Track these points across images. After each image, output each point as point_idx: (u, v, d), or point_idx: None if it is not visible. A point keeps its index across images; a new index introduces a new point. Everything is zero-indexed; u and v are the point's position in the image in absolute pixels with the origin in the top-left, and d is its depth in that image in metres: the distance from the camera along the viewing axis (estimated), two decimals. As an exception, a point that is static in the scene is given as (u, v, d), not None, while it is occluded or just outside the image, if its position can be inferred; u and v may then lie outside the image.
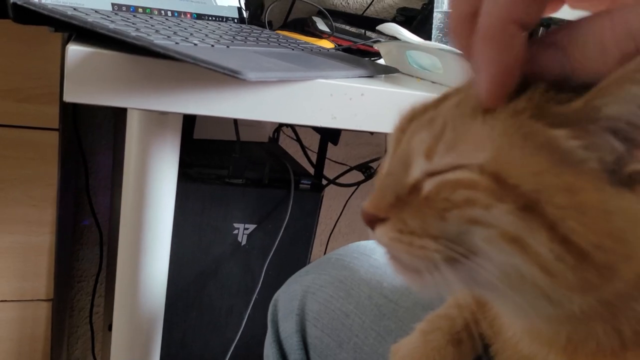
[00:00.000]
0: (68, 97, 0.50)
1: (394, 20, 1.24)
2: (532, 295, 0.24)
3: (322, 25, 1.06)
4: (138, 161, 0.63)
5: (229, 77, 0.50)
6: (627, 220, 0.22)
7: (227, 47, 0.59)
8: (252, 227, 0.88)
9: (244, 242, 0.89)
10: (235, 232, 0.87)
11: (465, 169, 0.23)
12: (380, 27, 0.76)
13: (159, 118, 0.61)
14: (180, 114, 0.60)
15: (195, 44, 0.54)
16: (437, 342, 0.37)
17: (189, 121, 1.07)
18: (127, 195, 0.65)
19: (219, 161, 0.90)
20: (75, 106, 1.10)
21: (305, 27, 1.10)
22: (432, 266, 0.24)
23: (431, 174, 0.25)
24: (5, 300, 0.88)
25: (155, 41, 0.48)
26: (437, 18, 0.93)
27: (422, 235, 0.24)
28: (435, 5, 0.91)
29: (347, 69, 0.61)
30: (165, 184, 0.65)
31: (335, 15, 1.12)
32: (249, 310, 0.88)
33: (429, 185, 0.25)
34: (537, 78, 0.24)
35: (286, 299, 0.57)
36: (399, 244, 0.25)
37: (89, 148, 1.20)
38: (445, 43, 0.81)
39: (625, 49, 0.21)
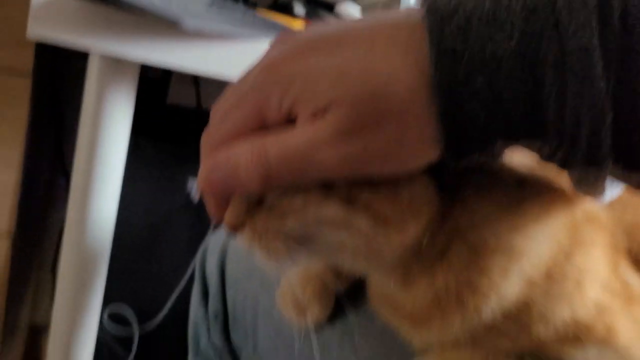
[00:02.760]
0: (31, 34, 0.56)
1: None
2: (353, 256, 0.33)
3: (298, 9, 1.13)
4: (94, 106, 0.68)
5: (179, 29, 0.56)
6: (411, 193, 0.31)
7: (186, 5, 0.65)
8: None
9: (196, 199, 0.95)
10: (190, 185, 0.93)
11: None
12: (337, 9, 0.83)
13: (117, 65, 0.67)
14: (134, 62, 0.65)
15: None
16: (316, 268, 0.44)
17: (163, 87, 1.14)
18: (82, 137, 0.71)
19: (182, 122, 0.96)
20: (53, 62, 1.15)
21: (286, 10, 1.17)
22: (279, 254, 0.32)
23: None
24: (-34, 232, 0.93)
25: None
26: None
27: (267, 234, 0.32)
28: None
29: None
30: (118, 130, 0.71)
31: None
32: (194, 262, 0.94)
33: (272, 196, 0.32)
34: None
35: (214, 243, 0.63)
36: (254, 243, 0.33)
37: (69, 108, 1.25)
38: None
39: None
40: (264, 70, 0.30)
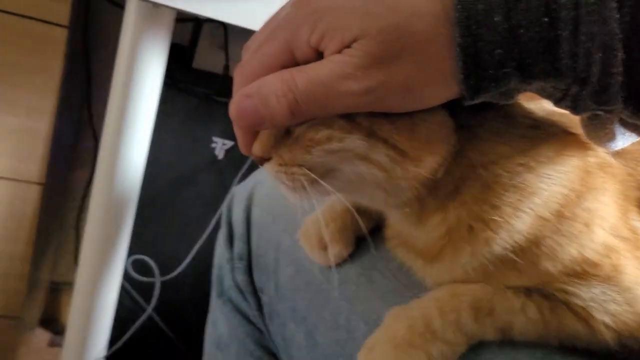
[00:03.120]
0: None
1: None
2: (373, 190, 0.35)
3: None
4: (130, 52, 0.71)
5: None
6: (428, 129, 0.33)
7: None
8: (230, 143, 0.97)
9: (220, 157, 0.97)
10: (214, 145, 0.96)
11: None
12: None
13: (153, 12, 0.69)
14: (170, 8, 0.68)
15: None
16: (338, 208, 0.46)
17: (190, 52, 1.16)
18: (116, 85, 0.74)
19: (209, 83, 0.98)
20: (86, 15, 1.18)
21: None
22: (301, 186, 0.35)
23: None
24: (1, 177, 0.97)
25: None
26: None
27: (292, 165, 0.34)
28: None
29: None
30: (152, 77, 0.73)
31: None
32: (216, 217, 0.97)
33: (298, 130, 0.34)
34: None
35: (240, 191, 0.66)
36: (279, 174, 0.35)
37: (98, 72, 1.28)
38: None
39: None
40: (294, 6, 0.32)
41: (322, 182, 0.34)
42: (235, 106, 0.33)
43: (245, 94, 0.32)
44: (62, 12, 0.88)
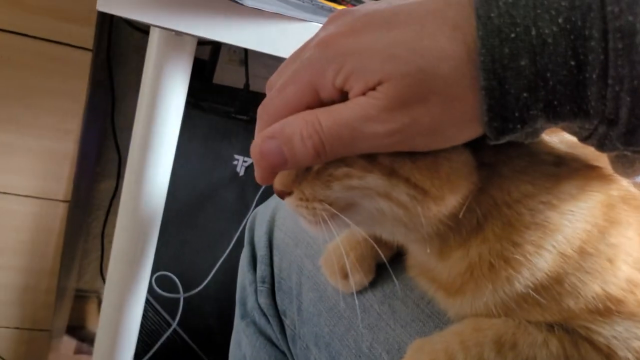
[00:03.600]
0: (100, 7, 0.60)
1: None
2: (393, 225, 0.35)
3: (344, -7, 1.15)
4: (153, 78, 0.72)
5: (236, 8, 0.59)
6: (451, 168, 0.33)
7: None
8: (250, 160, 0.98)
9: (241, 173, 0.99)
10: (235, 162, 0.98)
11: None
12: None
13: (175, 40, 0.70)
14: (193, 36, 0.69)
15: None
16: (358, 236, 0.47)
17: (211, 67, 1.18)
18: (141, 108, 0.76)
19: (229, 100, 1.00)
20: (110, 40, 1.20)
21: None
22: (321, 220, 0.35)
23: None
24: (29, 196, 1.00)
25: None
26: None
27: (313, 200, 0.35)
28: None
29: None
30: (175, 101, 0.75)
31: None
32: (238, 234, 0.99)
33: (319, 166, 0.35)
34: None
35: (263, 211, 0.67)
36: (300, 208, 0.36)
37: (121, 89, 1.31)
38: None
39: None
40: (319, 46, 0.32)
41: (342, 216, 0.35)
42: (258, 147, 0.33)
43: (268, 135, 0.32)
44: (87, 36, 0.90)
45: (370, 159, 0.33)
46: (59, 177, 0.99)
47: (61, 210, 1.02)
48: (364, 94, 0.30)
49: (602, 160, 0.36)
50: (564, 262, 0.34)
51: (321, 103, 0.32)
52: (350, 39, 0.31)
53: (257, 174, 0.37)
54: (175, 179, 0.88)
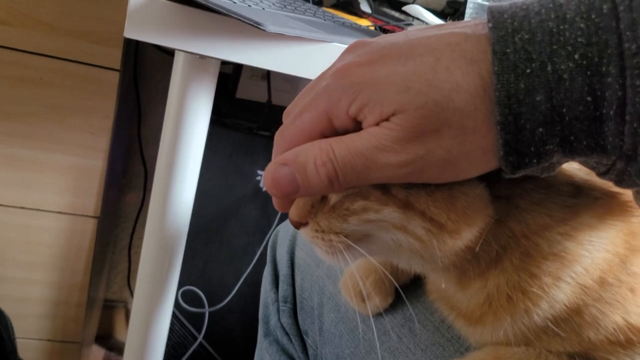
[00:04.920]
0: (128, 34, 0.62)
1: (442, 12, 1.30)
2: (409, 256, 0.35)
3: (365, 7, 1.16)
4: (178, 100, 0.74)
5: (258, 31, 0.60)
6: (466, 201, 0.33)
7: (263, 9, 0.70)
8: (273, 176, 0.99)
9: (264, 188, 1.00)
10: (258, 178, 0.99)
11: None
12: (405, 8, 0.85)
13: (199, 63, 0.72)
14: (216, 59, 0.71)
15: (249, 6, 0.65)
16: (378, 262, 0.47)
17: (234, 82, 1.20)
18: (167, 129, 0.77)
19: (252, 115, 1.01)
20: (136, 59, 1.23)
21: (351, 7, 1.20)
22: (337, 251, 0.35)
23: None
24: (60, 212, 1.03)
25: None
26: (470, 7, 1.01)
27: (329, 232, 0.35)
28: (473, -3, 0.98)
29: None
30: (199, 122, 0.77)
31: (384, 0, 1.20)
32: (261, 248, 1.00)
33: (334, 198, 0.35)
34: None
35: (284, 229, 0.67)
36: (316, 240, 0.36)
37: (146, 103, 1.34)
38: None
39: None
40: (335, 75, 0.32)
41: (358, 248, 0.35)
42: (271, 175, 0.33)
43: (281, 162, 0.33)
44: (115, 57, 0.93)
45: (386, 192, 0.33)
46: (89, 194, 1.02)
47: (91, 225, 1.05)
48: (377, 124, 0.30)
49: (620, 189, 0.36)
50: (584, 294, 0.33)
51: (336, 132, 0.33)
52: (366, 69, 0.31)
53: (274, 201, 0.37)
54: (199, 194, 0.89)
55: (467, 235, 0.33)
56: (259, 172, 0.98)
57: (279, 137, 0.35)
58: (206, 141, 0.81)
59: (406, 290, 0.48)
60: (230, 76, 1.22)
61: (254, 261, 1.00)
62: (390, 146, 0.30)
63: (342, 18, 0.92)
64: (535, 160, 0.29)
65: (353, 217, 0.34)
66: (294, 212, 0.37)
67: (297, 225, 0.37)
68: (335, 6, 1.21)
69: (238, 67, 1.23)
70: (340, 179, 0.31)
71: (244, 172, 0.98)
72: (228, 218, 1.01)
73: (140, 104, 1.30)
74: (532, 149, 0.29)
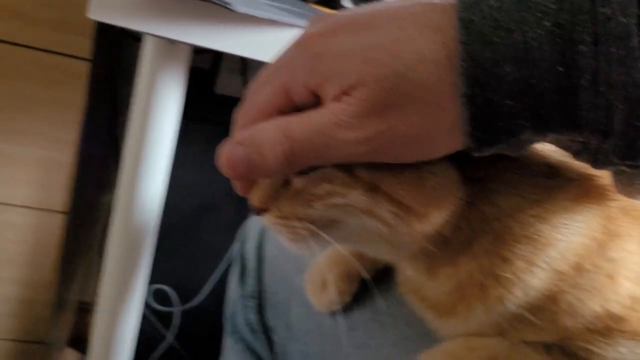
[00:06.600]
0: (91, 14, 0.59)
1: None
2: (377, 243, 0.33)
3: (346, 2, 1.14)
4: (147, 87, 0.71)
5: (231, 16, 0.58)
6: (435, 183, 0.31)
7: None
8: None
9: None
10: (234, 174, 0.96)
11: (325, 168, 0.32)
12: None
13: (169, 48, 0.69)
14: (187, 44, 0.68)
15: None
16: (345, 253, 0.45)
17: (211, 77, 1.17)
18: (134, 119, 0.74)
19: (231, 111, 0.98)
20: (110, 49, 1.20)
21: (333, 3, 1.18)
22: (301, 238, 0.33)
23: (299, 173, 0.33)
24: (26, 206, 0.99)
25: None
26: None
27: (292, 218, 0.33)
28: None
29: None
30: (169, 112, 0.74)
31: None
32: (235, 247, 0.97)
33: (298, 182, 0.33)
34: None
35: (254, 223, 0.65)
36: (278, 227, 0.34)
37: (124, 98, 1.30)
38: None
39: None
40: (296, 47, 0.31)
41: (324, 234, 0.33)
42: (225, 155, 0.31)
43: (236, 142, 0.31)
44: (84, 45, 0.90)
45: (351, 174, 0.31)
46: (57, 188, 0.99)
47: (59, 221, 1.01)
48: (337, 99, 0.28)
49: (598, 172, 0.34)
50: (559, 280, 0.31)
51: (296, 109, 0.30)
52: (327, 39, 0.29)
53: (235, 185, 0.35)
54: (174, 190, 0.86)
55: (436, 219, 0.31)
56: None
57: (239, 115, 0.33)
58: (183, 136, 0.78)
59: (376, 284, 0.45)
60: (207, 71, 1.20)
61: (228, 260, 0.97)
62: (349, 122, 0.28)
63: (314, 7, 0.90)
64: (503, 137, 0.27)
65: (318, 202, 0.32)
66: (254, 197, 0.34)
67: (259, 211, 0.34)
68: (318, 2, 1.20)
69: (216, 62, 1.20)
70: (298, 159, 0.29)
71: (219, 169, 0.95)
72: (203, 214, 0.98)
73: (117, 100, 1.27)
74: (501, 123, 0.26)
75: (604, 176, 0.33)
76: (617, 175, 0.29)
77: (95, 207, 1.42)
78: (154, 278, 0.93)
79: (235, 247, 0.65)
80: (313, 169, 0.32)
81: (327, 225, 0.33)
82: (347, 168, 0.31)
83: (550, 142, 0.29)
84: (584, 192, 0.33)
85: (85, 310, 1.53)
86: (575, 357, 0.33)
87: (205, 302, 0.98)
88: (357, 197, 0.31)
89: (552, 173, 0.33)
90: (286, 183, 0.34)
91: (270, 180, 0.34)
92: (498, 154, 0.29)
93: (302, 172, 0.32)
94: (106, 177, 1.38)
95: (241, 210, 1.00)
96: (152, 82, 0.71)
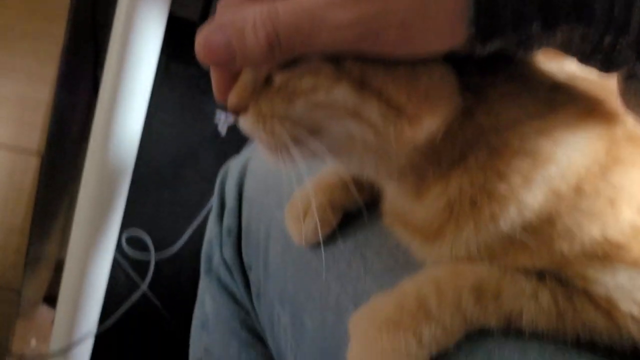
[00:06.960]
0: None
1: None
2: (362, 154, 0.31)
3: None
4: (126, 17, 0.67)
5: None
6: (430, 82, 0.28)
7: None
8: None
9: (223, 133, 0.94)
10: (217, 121, 0.93)
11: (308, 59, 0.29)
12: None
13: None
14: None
15: None
16: (328, 180, 0.42)
17: (200, 26, 1.13)
18: (112, 52, 0.71)
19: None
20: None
21: None
22: (282, 145, 0.30)
23: (282, 68, 0.30)
24: (-1, 145, 0.95)
25: None
26: None
27: (272, 117, 0.30)
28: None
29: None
30: (149, 44, 0.70)
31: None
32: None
33: (280, 78, 0.30)
34: None
35: (235, 162, 0.62)
36: (257, 130, 0.31)
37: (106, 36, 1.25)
38: None
39: None
40: None
41: (305, 138, 0.30)
42: (203, 39, 0.28)
43: (217, 25, 0.28)
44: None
45: (338, 67, 0.28)
46: (33, 127, 0.94)
47: (34, 163, 0.97)
48: None
49: (604, 97, 0.31)
50: (557, 201, 0.29)
51: None
52: None
53: (213, 82, 0.32)
54: (151, 133, 0.83)
55: (428, 124, 0.29)
56: (218, 112, 0.92)
57: (220, 3, 0.30)
58: (161, 76, 0.74)
59: (359, 217, 0.43)
60: (196, 23, 1.15)
61: (207, 209, 0.94)
62: (340, 0, 0.25)
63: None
64: (510, 27, 0.24)
65: (300, 99, 0.29)
66: (232, 95, 0.32)
67: (237, 110, 0.32)
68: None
69: (205, 12, 1.16)
70: (282, 43, 0.26)
71: (202, 113, 0.92)
72: (183, 162, 0.94)
73: (99, 37, 1.21)
74: (507, 12, 0.24)
75: (609, 101, 0.31)
76: (629, 83, 0.27)
77: (76, 154, 1.37)
78: (129, 223, 0.90)
79: (216, 186, 0.63)
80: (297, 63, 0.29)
81: (309, 134, 0.30)
82: (335, 60, 0.28)
83: (560, 43, 0.26)
84: (589, 111, 0.31)
85: (62, 269, 1.50)
86: (571, 287, 0.31)
87: (183, 250, 0.95)
88: (343, 93, 0.28)
89: (556, 87, 0.31)
90: (268, 81, 0.31)
91: (251, 76, 0.31)
92: (500, 64, 0.27)
93: (286, 68, 0.30)
94: (88, 122, 1.34)
95: (224, 159, 0.97)
96: (131, 16, 0.67)
